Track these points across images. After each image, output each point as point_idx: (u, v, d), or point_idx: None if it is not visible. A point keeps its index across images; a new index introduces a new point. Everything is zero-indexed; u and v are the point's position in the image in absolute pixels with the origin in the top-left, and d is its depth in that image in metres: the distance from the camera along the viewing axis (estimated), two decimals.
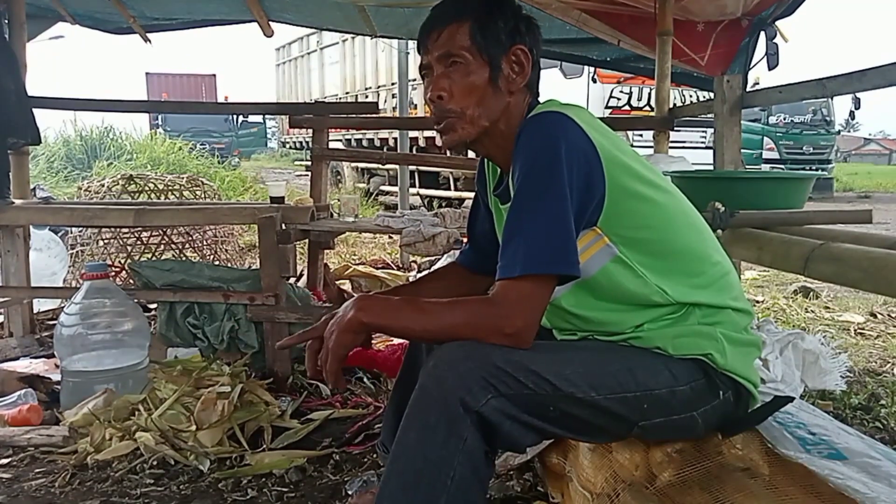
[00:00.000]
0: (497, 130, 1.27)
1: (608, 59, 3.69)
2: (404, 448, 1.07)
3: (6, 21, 3.05)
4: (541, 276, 1.10)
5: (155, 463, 1.89)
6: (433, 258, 4.30)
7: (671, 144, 3.23)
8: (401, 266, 5.03)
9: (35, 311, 3.23)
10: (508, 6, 1.27)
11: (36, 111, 3.01)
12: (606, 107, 7.22)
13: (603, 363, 1.16)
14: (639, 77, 6.31)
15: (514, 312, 1.09)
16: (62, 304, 3.08)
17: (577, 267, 1.10)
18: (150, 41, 3.72)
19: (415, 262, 4.96)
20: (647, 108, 7.07)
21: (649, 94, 6.89)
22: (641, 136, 7.06)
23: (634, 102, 7.36)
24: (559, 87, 7.52)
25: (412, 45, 7.83)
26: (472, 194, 1.52)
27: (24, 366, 2.68)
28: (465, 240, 2.69)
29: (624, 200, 1.17)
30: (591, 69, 6.93)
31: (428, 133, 9.11)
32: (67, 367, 2.21)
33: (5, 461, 1.94)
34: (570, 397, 1.10)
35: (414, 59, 9.08)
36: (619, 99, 7.30)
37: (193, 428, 2.00)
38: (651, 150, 3.23)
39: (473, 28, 1.23)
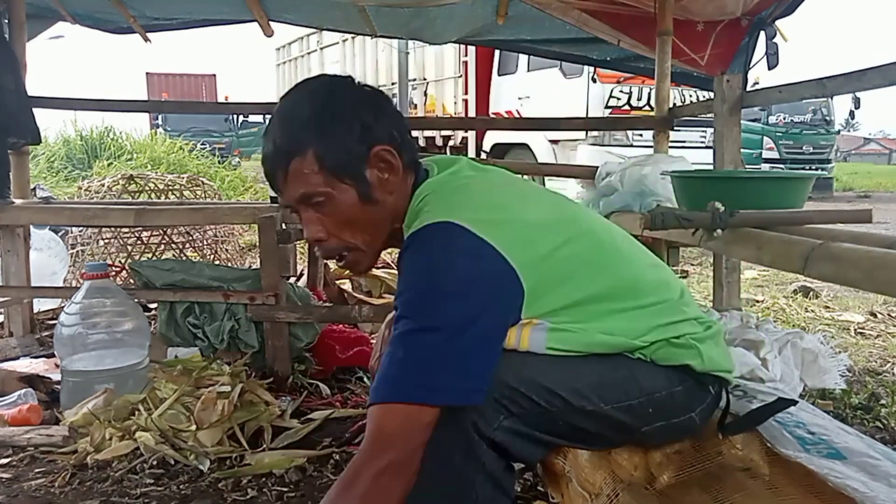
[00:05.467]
0: (394, 231, 1.17)
1: (608, 58, 3.69)
2: (422, 478, 1.02)
3: (6, 21, 3.05)
4: (412, 405, 0.99)
5: (155, 463, 1.89)
6: None
7: (671, 144, 3.23)
8: None
9: (35, 311, 3.23)
10: (344, 107, 1.11)
11: (36, 111, 3.01)
12: (606, 106, 7.20)
13: (611, 371, 1.13)
14: (639, 77, 6.30)
15: (385, 443, 0.98)
16: (62, 304, 3.08)
17: (454, 395, 0.99)
18: (150, 41, 3.71)
19: None
20: (647, 107, 7.06)
21: (649, 93, 6.88)
22: (641, 135, 7.04)
23: (634, 102, 7.34)
24: (559, 86, 7.51)
25: (412, 44, 7.86)
26: None
27: (24, 365, 2.68)
28: None
29: (541, 277, 1.06)
30: (591, 69, 6.91)
31: (428, 133, 9.12)
32: (67, 366, 2.21)
33: (5, 461, 1.94)
34: (581, 410, 1.09)
35: (414, 59, 9.12)
36: (618, 99, 7.29)
37: (193, 428, 2.00)
38: (651, 150, 3.22)
39: (318, 156, 1.08)
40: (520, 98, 8.03)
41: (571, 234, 1.12)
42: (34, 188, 3.89)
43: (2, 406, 2.19)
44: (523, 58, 7.84)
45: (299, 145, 1.09)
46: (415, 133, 9.01)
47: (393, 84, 9.39)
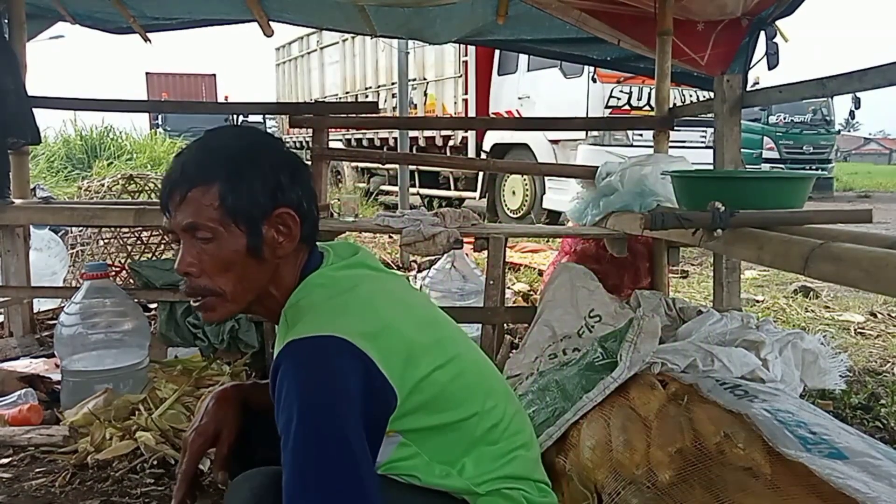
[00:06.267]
0: (267, 295, 1.12)
1: (608, 58, 3.69)
2: None
3: (6, 21, 3.05)
4: None
5: (155, 462, 1.89)
6: (433, 258, 4.30)
7: (671, 144, 3.23)
8: (401, 266, 5.03)
9: (35, 311, 3.23)
10: (265, 160, 1.09)
11: (36, 111, 3.01)
12: (606, 106, 7.20)
13: (402, 500, 1.03)
14: (639, 77, 6.30)
15: None
16: (62, 304, 3.07)
17: None
18: (150, 41, 3.72)
19: (415, 261, 4.96)
20: (648, 107, 7.06)
21: (649, 93, 6.87)
22: (641, 135, 7.04)
23: (634, 102, 7.34)
24: (559, 86, 7.51)
25: (412, 44, 7.84)
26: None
27: (25, 365, 2.68)
28: (464, 239, 2.69)
29: (414, 397, 1.02)
30: (591, 69, 6.91)
31: (428, 133, 9.12)
32: (67, 366, 2.21)
33: (5, 461, 1.94)
34: None
35: (414, 59, 9.11)
36: (619, 99, 7.28)
37: None
38: (651, 150, 3.22)
39: (223, 192, 1.05)
40: (520, 98, 8.03)
41: (447, 358, 1.08)
42: (34, 188, 3.89)
43: (2, 406, 2.19)
44: (523, 57, 7.84)
45: (208, 176, 1.05)
46: (414, 133, 9.04)
47: (393, 84, 9.39)
